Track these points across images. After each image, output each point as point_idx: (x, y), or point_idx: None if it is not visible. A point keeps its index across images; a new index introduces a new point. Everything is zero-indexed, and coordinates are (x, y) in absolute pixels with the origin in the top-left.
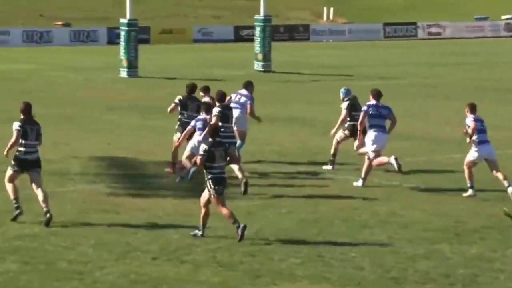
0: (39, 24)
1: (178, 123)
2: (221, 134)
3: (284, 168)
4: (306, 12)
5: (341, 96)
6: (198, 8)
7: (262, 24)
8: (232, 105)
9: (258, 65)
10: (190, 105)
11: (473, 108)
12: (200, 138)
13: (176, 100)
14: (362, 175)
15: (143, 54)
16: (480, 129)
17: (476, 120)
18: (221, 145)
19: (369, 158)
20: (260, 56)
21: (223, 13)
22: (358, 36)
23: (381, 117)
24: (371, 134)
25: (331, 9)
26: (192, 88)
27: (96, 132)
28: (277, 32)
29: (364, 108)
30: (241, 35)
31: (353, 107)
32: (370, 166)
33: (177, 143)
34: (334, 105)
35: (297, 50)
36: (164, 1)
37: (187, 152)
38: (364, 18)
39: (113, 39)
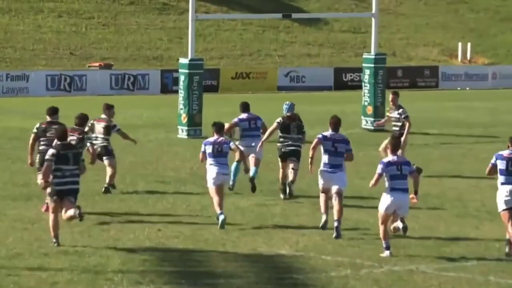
0: (69, 66)
1: None
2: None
3: None
4: (434, 50)
5: (284, 111)
6: (285, 44)
7: (372, 65)
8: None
9: (367, 122)
10: None
11: None
12: None
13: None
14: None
15: (209, 106)
16: None
17: None
18: None
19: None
20: (370, 110)
21: (320, 51)
22: (505, 83)
23: (338, 155)
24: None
25: (469, 45)
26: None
27: (143, 214)
28: (393, 77)
29: (319, 136)
30: (344, 81)
31: (285, 129)
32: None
33: None
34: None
35: (422, 100)
36: (238, 34)
37: None
38: None
39: (168, 86)
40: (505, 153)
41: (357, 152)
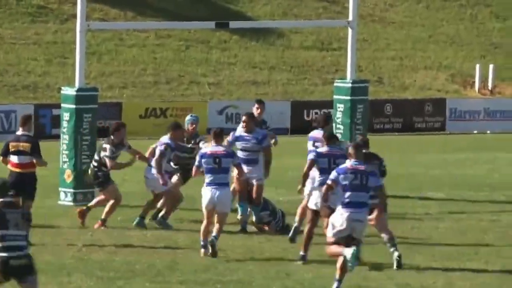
0: None
1: None
2: None
3: None
4: (440, 75)
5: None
6: (219, 66)
7: (348, 97)
8: None
9: None
10: None
11: None
12: None
13: None
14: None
15: None
16: None
17: None
18: None
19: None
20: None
21: (271, 76)
22: None
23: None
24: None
25: (491, 68)
26: None
27: None
28: (379, 115)
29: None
30: (306, 120)
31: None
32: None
33: None
34: None
35: (421, 149)
36: (149, 52)
37: None
38: None
39: (46, 129)
40: None
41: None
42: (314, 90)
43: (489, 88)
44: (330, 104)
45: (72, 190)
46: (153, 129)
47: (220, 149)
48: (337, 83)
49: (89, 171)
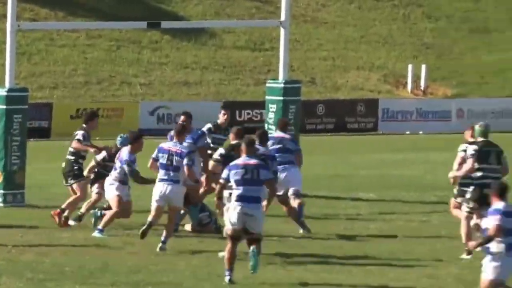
0: None
1: None
2: None
3: None
4: (372, 75)
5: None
6: (151, 66)
7: (281, 98)
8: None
9: None
10: None
11: None
12: None
13: None
14: None
15: (37, 159)
16: None
17: None
18: None
19: None
20: None
21: (203, 77)
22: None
23: None
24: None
25: (423, 68)
26: None
27: None
28: (312, 115)
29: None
30: (238, 121)
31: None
32: None
33: None
34: None
35: (353, 150)
36: (80, 52)
37: None
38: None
39: None
40: None
41: None
42: (246, 91)
43: (422, 88)
44: (262, 105)
45: (1, 191)
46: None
47: (177, 147)
48: (270, 84)
49: (64, 164)
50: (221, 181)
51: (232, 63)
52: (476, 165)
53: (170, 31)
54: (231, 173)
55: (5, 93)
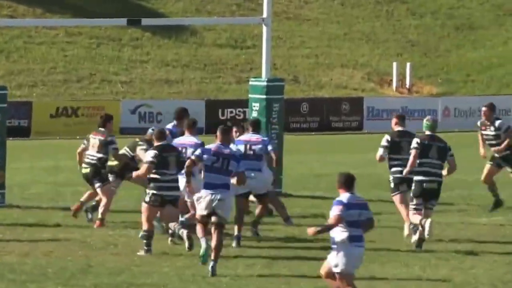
0: None
1: None
2: None
3: None
4: (356, 73)
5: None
6: (131, 64)
7: (264, 96)
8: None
9: None
10: None
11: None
12: None
13: None
14: None
15: (16, 159)
16: None
17: None
18: None
19: None
20: None
21: (185, 74)
22: (462, 123)
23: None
24: None
25: (408, 66)
26: None
27: None
28: (295, 114)
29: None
30: (221, 119)
31: None
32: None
33: None
34: None
35: (337, 149)
36: (59, 50)
37: None
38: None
39: None
40: None
41: None
42: (228, 89)
43: (407, 86)
44: (245, 103)
45: None
46: (64, 129)
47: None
48: (252, 82)
49: (89, 169)
50: (193, 157)
51: (213, 61)
52: (418, 160)
53: (151, 28)
54: (204, 156)
55: None
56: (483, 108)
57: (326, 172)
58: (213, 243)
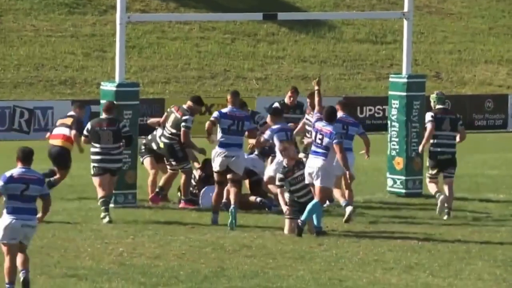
0: None
1: None
2: None
3: None
4: (501, 69)
5: None
6: (267, 60)
7: (404, 93)
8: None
9: (395, 183)
10: None
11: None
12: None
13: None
14: None
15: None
16: None
17: None
18: None
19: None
20: (399, 164)
21: (323, 70)
22: None
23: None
24: None
25: None
26: None
27: None
28: None
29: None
30: (360, 117)
31: None
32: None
33: None
34: None
35: (479, 148)
36: (193, 45)
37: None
38: None
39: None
40: None
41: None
42: (367, 86)
43: None
44: (384, 101)
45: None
46: (197, 126)
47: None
48: (392, 78)
49: (163, 146)
50: (212, 119)
51: (352, 56)
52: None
53: (287, 23)
54: (221, 119)
55: (115, 89)
56: None
57: (465, 172)
58: (231, 196)
